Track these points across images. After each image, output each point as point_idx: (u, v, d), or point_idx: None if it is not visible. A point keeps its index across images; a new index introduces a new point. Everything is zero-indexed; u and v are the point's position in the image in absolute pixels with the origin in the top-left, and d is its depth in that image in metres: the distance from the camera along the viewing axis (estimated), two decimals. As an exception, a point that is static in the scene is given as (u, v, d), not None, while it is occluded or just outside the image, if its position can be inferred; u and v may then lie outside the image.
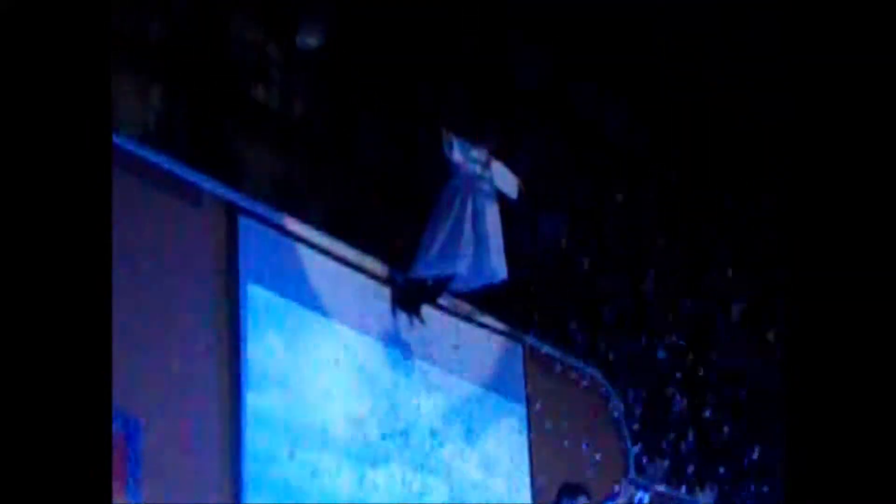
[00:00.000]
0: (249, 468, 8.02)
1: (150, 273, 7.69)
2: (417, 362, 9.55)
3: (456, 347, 9.92)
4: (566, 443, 10.44)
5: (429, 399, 9.56)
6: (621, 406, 11.17)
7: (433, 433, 9.53)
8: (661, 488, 11.03)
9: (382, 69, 9.37)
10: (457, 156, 9.21)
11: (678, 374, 11.19)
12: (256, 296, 8.40)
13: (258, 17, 9.13)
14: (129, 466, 7.32)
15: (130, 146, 7.76)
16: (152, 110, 8.37)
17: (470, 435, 9.87)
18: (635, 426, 11.23)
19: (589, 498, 8.04)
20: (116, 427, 7.08)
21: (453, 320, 9.93)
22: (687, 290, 11.12)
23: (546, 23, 9.45)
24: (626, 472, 10.99)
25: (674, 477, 11.21)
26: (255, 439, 8.14)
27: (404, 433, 9.25)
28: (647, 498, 9.85)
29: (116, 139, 7.37)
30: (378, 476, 8.88)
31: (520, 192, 9.50)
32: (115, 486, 6.90)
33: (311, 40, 9.09)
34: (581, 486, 8.27)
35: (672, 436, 11.12)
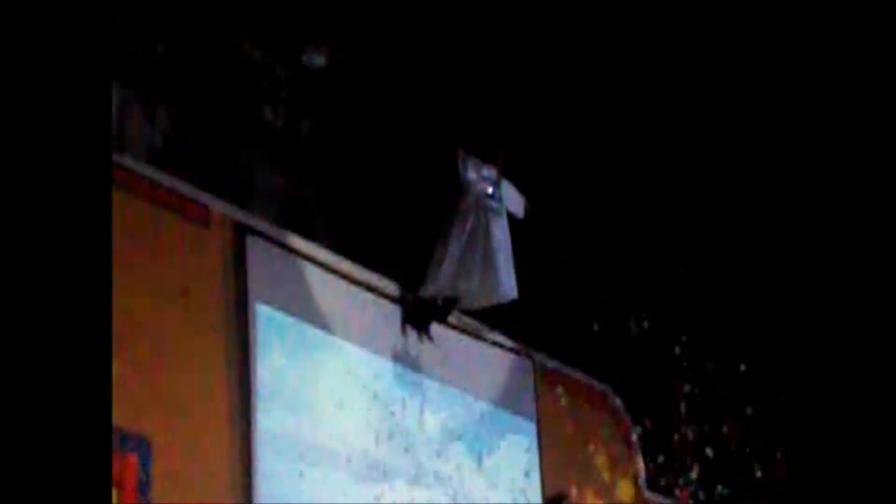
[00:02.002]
0: (261, 488, 7.98)
1: (160, 294, 7.69)
2: (426, 380, 9.53)
3: (465, 364, 9.92)
4: (577, 462, 10.47)
5: (437, 416, 9.54)
6: (636, 425, 11.16)
7: (441, 451, 9.53)
8: None
9: (392, 88, 9.36)
10: (470, 174, 9.27)
11: (696, 391, 11.17)
12: (265, 315, 8.37)
13: (265, 37, 9.09)
14: (140, 488, 7.27)
15: (138, 166, 7.80)
16: (160, 130, 8.37)
17: (478, 453, 9.84)
18: (650, 445, 11.18)
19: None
20: (128, 448, 7.20)
21: (463, 338, 9.94)
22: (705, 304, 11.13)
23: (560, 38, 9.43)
24: (639, 494, 10.96)
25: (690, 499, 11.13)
26: (265, 459, 8.07)
27: (413, 450, 9.24)
28: None
29: (124, 159, 7.63)
30: (387, 494, 8.85)
31: (526, 211, 9.57)
32: None
33: (318, 59, 9.09)
34: (562, 494, 8.40)
35: (688, 457, 11.08)
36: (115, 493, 7.09)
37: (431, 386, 9.53)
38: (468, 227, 9.23)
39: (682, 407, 11.16)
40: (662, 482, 11.22)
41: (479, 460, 9.80)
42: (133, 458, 7.26)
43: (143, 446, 7.30)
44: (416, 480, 9.12)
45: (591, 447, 10.68)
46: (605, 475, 10.75)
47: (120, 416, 6.37)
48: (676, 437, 11.21)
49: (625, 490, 10.91)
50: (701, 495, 11.14)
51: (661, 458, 11.18)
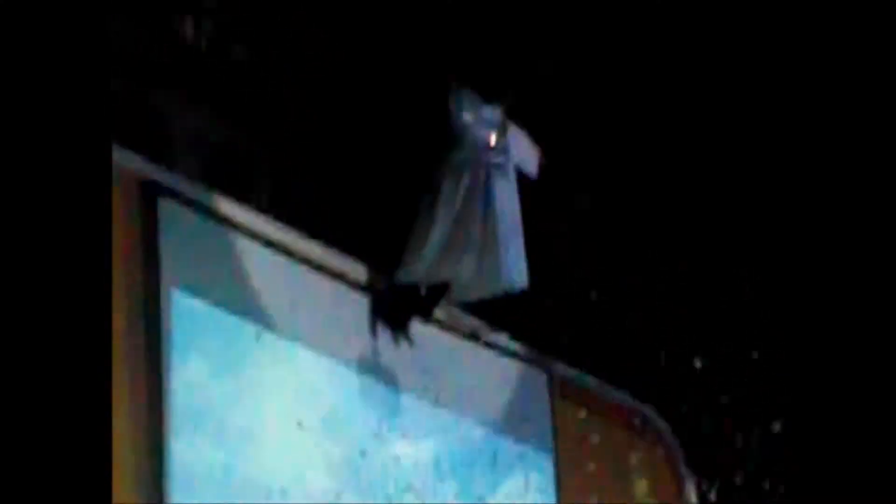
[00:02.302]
0: None
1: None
2: (404, 397, 8.47)
3: (458, 376, 8.81)
4: (609, 491, 9.56)
5: (420, 446, 8.57)
6: (682, 453, 10.29)
7: (425, 492, 8.56)
8: None
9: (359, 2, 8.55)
10: (465, 116, 8.05)
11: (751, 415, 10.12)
12: (184, 306, 7.44)
13: None
14: None
15: None
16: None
17: (476, 493, 8.88)
18: (700, 479, 10.23)
19: None
20: None
21: (454, 340, 8.81)
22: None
23: None
24: None
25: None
26: (182, 499, 7.18)
27: (386, 491, 8.27)
28: None
29: None
30: None
31: (542, 169, 8.41)
32: None
33: None
34: None
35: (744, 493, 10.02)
36: None
37: (412, 405, 8.50)
38: (461, 189, 8.08)
39: (745, 435, 10.08)
40: None
41: (479, 501, 8.84)
42: None
43: None
44: None
45: (627, 485, 9.85)
46: None
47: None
48: (738, 471, 10.02)
49: None
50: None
51: (716, 497, 10.22)
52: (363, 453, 8.12)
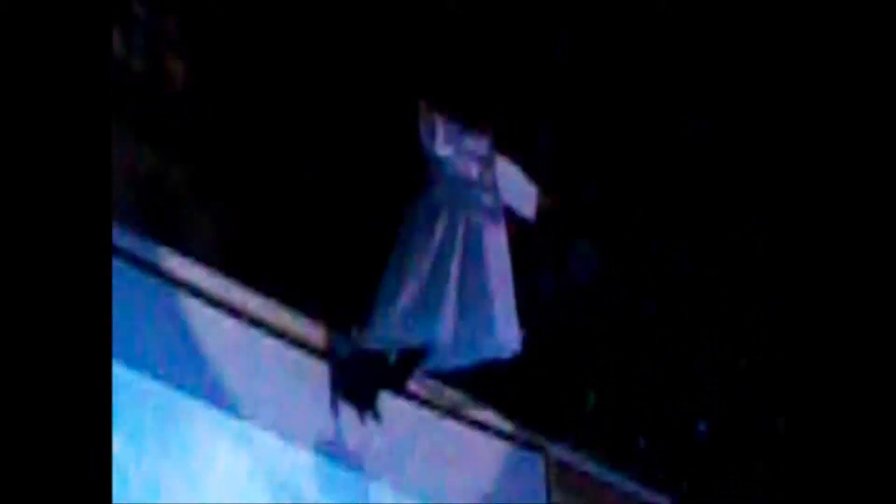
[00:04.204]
0: None
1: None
2: (372, 485, 7.65)
3: (435, 459, 8.02)
4: None
5: None
6: None
7: None
8: None
9: (316, 16, 7.94)
10: (442, 148, 7.16)
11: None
12: (114, 378, 6.18)
13: None
14: None
15: None
16: None
17: None
18: None
19: None
20: None
21: (431, 417, 8.07)
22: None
23: None
24: None
25: None
26: None
27: None
28: None
29: None
30: None
31: (540, 209, 7.58)
32: None
33: None
34: None
35: None
36: None
37: (379, 494, 7.68)
38: (440, 233, 7.16)
39: None
40: None
41: None
42: None
43: None
44: None
45: None
46: None
47: None
48: None
49: None
50: None
51: None
52: None
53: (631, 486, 9.45)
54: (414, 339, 7.27)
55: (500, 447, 8.41)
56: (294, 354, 7.38)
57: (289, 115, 8.03)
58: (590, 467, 9.13)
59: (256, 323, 7.21)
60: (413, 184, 7.44)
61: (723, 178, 10.60)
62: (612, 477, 9.34)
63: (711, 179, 10.44)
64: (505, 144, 7.59)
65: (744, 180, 10.71)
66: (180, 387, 6.91)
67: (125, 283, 6.59)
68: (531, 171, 7.78)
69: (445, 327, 7.14)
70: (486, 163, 7.32)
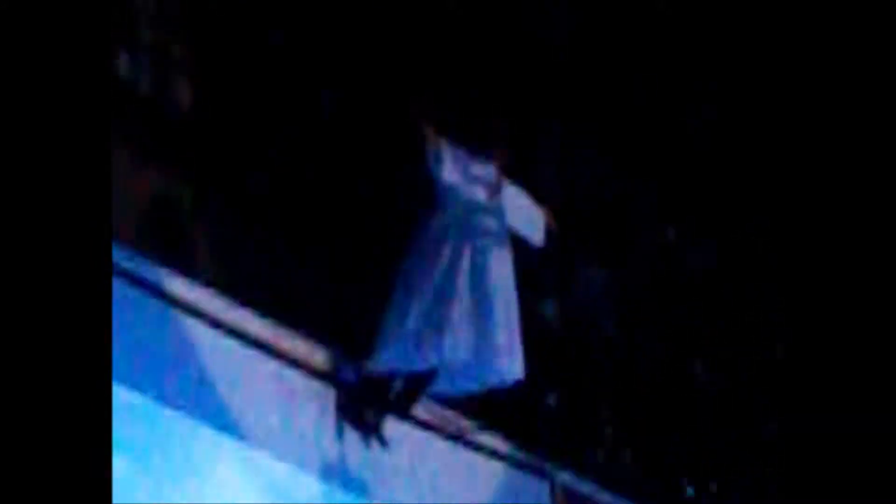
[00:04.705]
0: None
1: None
2: None
3: (441, 484, 8.01)
4: None
5: None
6: None
7: None
8: None
9: (320, 26, 7.95)
10: (448, 174, 7.22)
11: None
12: (121, 401, 6.43)
13: None
14: None
15: None
16: None
17: None
18: None
19: None
20: None
21: (437, 442, 8.09)
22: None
23: None
24: None
25: None
26: None
27: None
28: None
29: None
30: None
31: (549, 234, 7.58)
32: None
33: None
34: None
35: None
36: None
37: None
38: (446, 259, 7.17)
39: None
40: None
41: None
42: None
43: None
44: None
45: None
46: None
47: None
48: None
49: None
50: None
51: None
52: None
53: None
54: (420, 363, 7.21)
55: (506, 472, 8.37)
56: (298, 377, 7.31)
57: (294, 137, 7.90)
58: (596, 494, 8.96)
59: (261, 346, 7.15)
60: (420, 208, 7.40)
61: (723, 186, 10.32)
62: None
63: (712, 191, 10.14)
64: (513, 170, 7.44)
65: (744, 183, 10.44)
66: (183, 409, 6.86)
67: (130, 305, 6.64)
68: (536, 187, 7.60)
69: (451, 351, 7.10)
70: (494, 188, 7.33)
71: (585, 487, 9.01)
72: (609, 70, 9.62)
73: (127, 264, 6.76)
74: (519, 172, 7.74)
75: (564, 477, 8.78)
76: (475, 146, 7.50)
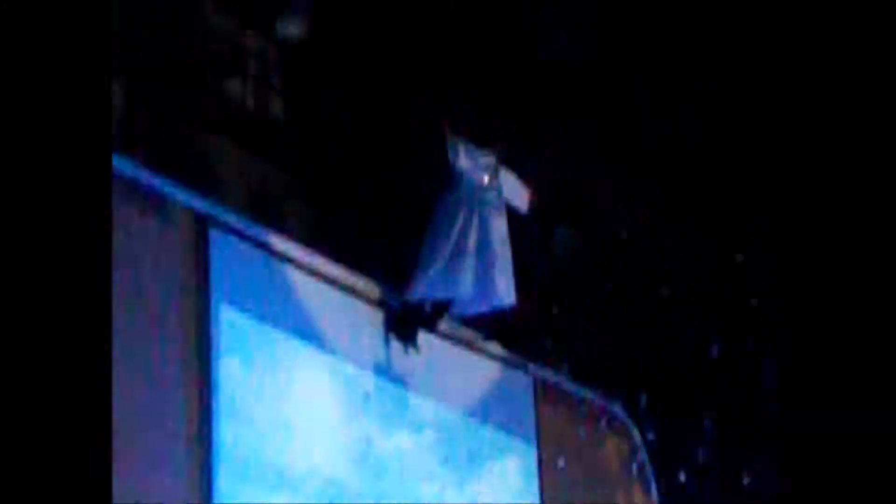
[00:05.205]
0: None
1: (121, 293, 7.03)
2: (411, 395, 9.12)
3: (457, 378, 9.45)
4: (582, 488, 10.09)
5: (422, 437, 9.18)
6: (645, 445, 10.70)
7: (429, 476, 9.14)
8: None
9: (375, 62, 8.94)
10: (462, 162, 8.66)
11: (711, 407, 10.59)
12: (229, 319, 8.02)
13: (240, 25, 8.85)
14: None
15: None
16: (126, 123, 8.08)
17: (470, 478, 9.45)
18: (661, 467, 10.66)
19: None
20: None
21: (454, 348, 9.46)
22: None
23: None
24: None
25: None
26: (225, 482, 7.73)
27: (395, 474, 8.88)
28: None
29: None
30: None
31: (531, 205, 8.96)
32: None
33: (293, 30, 8.76)
34: None
35: (702, 479, 10.51)
36: None
37: (416, 402, 9.13)
38: (460, 222, 8.66)
39: (703, 428, 10.56)
40: None
41: (470, 485, 9.42)
42: None
43: None
44: None
45: (598, 472, 10.34)
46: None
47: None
48: (695, 461, 10.58)
49: None
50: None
51: (677, 483, 10.69)
52: (376, 439, 8.68)
53: (599, 400, 10.30)
54: (442, 294, 8.79)
55: (501, 370, 9.76)
56: (360, 304, 8.80)
57: (362, 141, 8.98)
58: (566, 384, 10.14)
59: (330, 281, 8.60)
60: (443, 185, 8.75)
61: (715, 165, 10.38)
62: (582, 392, 10.23)
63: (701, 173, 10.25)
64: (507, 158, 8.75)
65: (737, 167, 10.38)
66: (274, 326, 8.27)
67: (242, 255, 8.09)
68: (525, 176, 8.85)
69: (464, 286, 8.66)
70: (493, 172, 8.72)
71: (557, 378, 10.09)
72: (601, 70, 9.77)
73: (240, 226, 8.15)
74: (512, 161, 8.80)
75: (542, 371, 9.97)
76: (480, 141, 8.73)
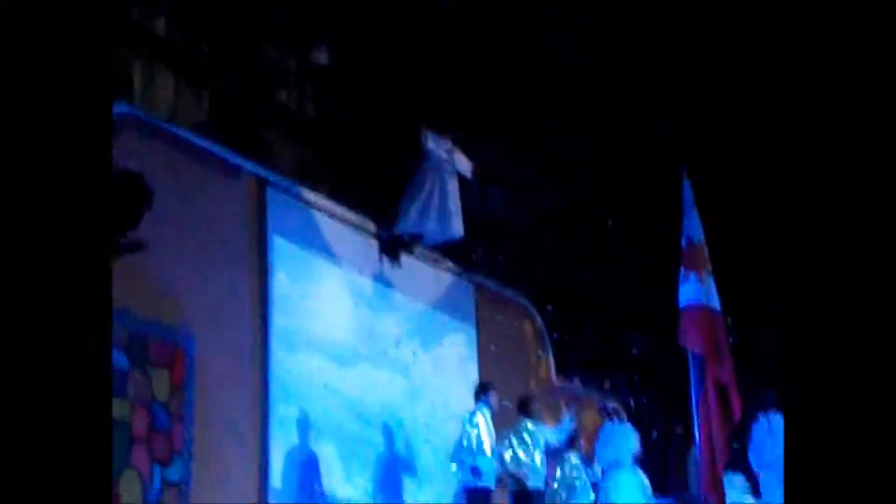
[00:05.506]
0: (274, 371, 8.24)
1: (207, 228, 7.89)
2: (395, 294, 9.66)
3: (426, 284, 9.99)
4: (503, 355, 10.51)
5: (401, 318, 9.67)
6: (545, 326, 11.11)
7: (407, 343, 9.65)
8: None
9: (377, 81, 9.30)
10: (430, 145, 9.30)
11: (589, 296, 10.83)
12: (279, 245, 8.58)
13: (282, 41, 9.07)
14: (186, 369, 7.48)
15: (189, 135, 7.95)
16: (204, 109, 8.46)
17: (433, 345, 9.98)
18: (555, 338, 10.97)
19: (495, 390, 7.97)
20: (179, 339, 7.47)
21: (424, 265, 10.05)
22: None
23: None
24: (549, 378, 10.95)
25: (589, 382, 10.89)
26: (278, 348, 8.28)
27: (383, 341, 9.33)
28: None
29: (180, 130, 7.79)
30: (359, 372, 9.00)
31: (473, 173, 9.60)
32: (176, 387, 7.36)
33: (322, 57, 9.15)
34: (490, 383, 8.24)
35: (584, 345, 10.93)
36: (166, 373, 7.32)
37: (398, 298, 9.70)
38: (428, 184, 9.28)
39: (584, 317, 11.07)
40: (565, 370, 11.19)
41: (427, 349, 9.87)
42: (181, 347, 7.51)
43: (189, 338, 7.60)
44: (379, 363, 9.30)
45: (514, 345, 10.76)
46: (524, 365, 10.83)
47: (174, 317, 7.36)
48: (577, 339, 11.13)
49: (537, 376, 10.97)
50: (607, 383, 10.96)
51: (565, 353, 11.16)
52: (372, 320, 9.29)
53: (517, 297, 10.82)
54: (416, 230, 9.44)
55: (452, 278, 10.42)
56: (359, 236, 9.35)
57: (361, 129, 9.28)
58: (498, 290, 10.81)
59: (343, 220, 9.18)
60: (418, 159, 9.32)
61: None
62: (505, 292, 10.84)
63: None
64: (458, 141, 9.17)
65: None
66: (309, 249, 8.85)
67: (286, 204, 8.57)
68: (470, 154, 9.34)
69: (430, 224, 9.34)
70: (450, 152, 9.40)
71: (489, 283, 10.75)
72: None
73: (287, 185, 8.65)
74: (461, 143, 9.42)
75: (480, 279, 10.61)
76: (441, 130, 9.35)
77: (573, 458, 8.38)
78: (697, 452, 7.92)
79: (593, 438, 9.11)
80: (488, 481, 7.76)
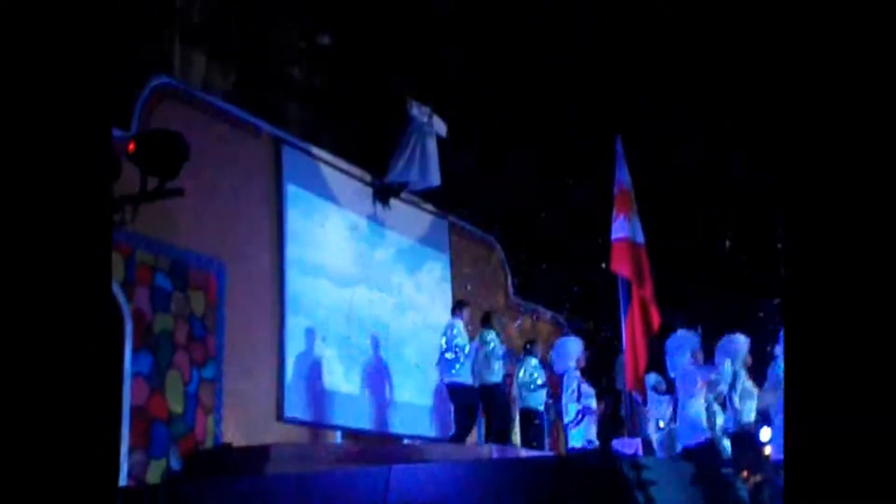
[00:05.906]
0: (288, 292, 8.18)
1: (233, 177, 7.82)
2: (385, 230, 9.59)
3: (410, 222, 9.88)
4: (472, 279, 10.50)
5: (390, 249, 9.60)
6: (504, 255, 11.12)
7: (393, 271, 9.61)
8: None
9: (372, 60, 9.21)
10: (414, 111, 9.22)
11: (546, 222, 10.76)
12: (292, 191, 8.51)
13: (295, 24, 8.96)
14: (219, 292, 7.40)
15: (219, 102, 7.87)
16: (231, 81, 8.38)
17: (415, 272, 9.95)
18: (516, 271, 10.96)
19: (468, 306, 7.93)
20: (212, 267, 7.41)
21: (409, 207, 9.95)
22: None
23: None
24: (509, 299, 10.92)
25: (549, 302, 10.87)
26: (291, 274, 8.23)
27: (375, 267, 9.28)
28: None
29: (211, 98, 7.66)
30: (356, 292, 8.95)
31: (448, 133, 9.53)
32: (210, 305, 7.29)
33: (326, 40, 9.08)
34: (464, 301, 8.23)
35: (543, 266, 10.81)
36: (202, 296, 7.29)
37: (388, 233, 9.64)
38: (412, 142, 9.20)
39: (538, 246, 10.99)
40: (523, 293, 11.17)
41: (411, 274, 9.81)
42: (214, 274, 7.49)
43: (220, 266, 7.60)
44: (373, 284, 9.25)
45: (481, 271, 10.70)
46: (489, 287, 10.74)
47: (208, 247, 7.28)
48: (533, 265, 11.10)
49: (501, 296, 10.99)
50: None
51: (522, 279, 11.15)
52: (366, 251, 9.13)
53: (484, 235, 10.74)
54: (403, 178, 9.32)
55: (431, 217, 10.27)
56: (358, 184, 9.27)
57: (360, 98, 9.11)
58: (469, 227, 10.60)
59: (343, 171, 9.07)
60: (404, 122, 9.14)
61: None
62: (475, 230, 10.67)
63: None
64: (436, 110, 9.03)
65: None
66: (316, 194, 8.67)
67: (298, 159, 8.32)
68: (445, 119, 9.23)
69: (414, 174, 9.24)
70: (430, 117, 9.28)
71: (461, 222, 10.58)
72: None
73: (298, 142, 8.52)
74: (441, 112, 9.19)
75: (454, 218, 10.53)
76: (424, 101, 9.19)
77: (532, 360, 8.23)
78: (623, 356, 8.03)
79: (548, 343, 9.14)
80: (465, 378, 7.65)
